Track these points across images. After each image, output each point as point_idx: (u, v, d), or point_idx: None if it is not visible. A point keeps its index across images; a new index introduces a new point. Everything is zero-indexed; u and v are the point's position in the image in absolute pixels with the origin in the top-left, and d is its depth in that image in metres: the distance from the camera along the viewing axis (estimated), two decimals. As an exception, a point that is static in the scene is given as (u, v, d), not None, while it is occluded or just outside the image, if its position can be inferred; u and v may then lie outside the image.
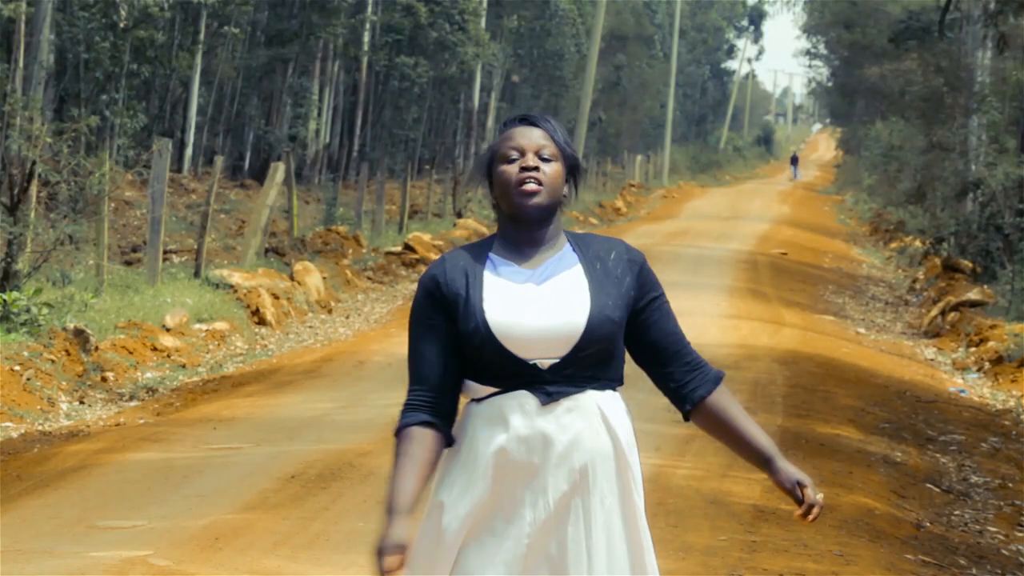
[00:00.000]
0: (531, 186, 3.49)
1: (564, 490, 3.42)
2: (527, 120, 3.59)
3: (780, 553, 7.20)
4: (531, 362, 3.44)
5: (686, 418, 3.63)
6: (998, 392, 14.57)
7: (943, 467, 10.40)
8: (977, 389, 14.83)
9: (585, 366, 3.46)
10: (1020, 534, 8.76)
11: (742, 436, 3.58)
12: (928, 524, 8.50)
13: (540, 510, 3.41)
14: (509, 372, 3.45)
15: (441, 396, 3.48)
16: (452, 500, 3.46)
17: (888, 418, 12.03)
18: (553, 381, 3.45)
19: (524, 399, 3.44)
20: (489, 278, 3.49)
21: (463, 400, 3.54)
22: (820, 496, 3.54)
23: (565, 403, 3.45)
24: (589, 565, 3.41)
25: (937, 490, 9.59)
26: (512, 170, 3.51)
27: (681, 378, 3.58)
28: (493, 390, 3.47)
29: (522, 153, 3.53)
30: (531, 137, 3.54)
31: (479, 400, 3.48)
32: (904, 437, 11.29)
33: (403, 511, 3.45)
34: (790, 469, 3.56)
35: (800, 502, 3.55)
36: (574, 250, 3.54)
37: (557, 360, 3.44)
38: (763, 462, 3.57)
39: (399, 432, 3.50)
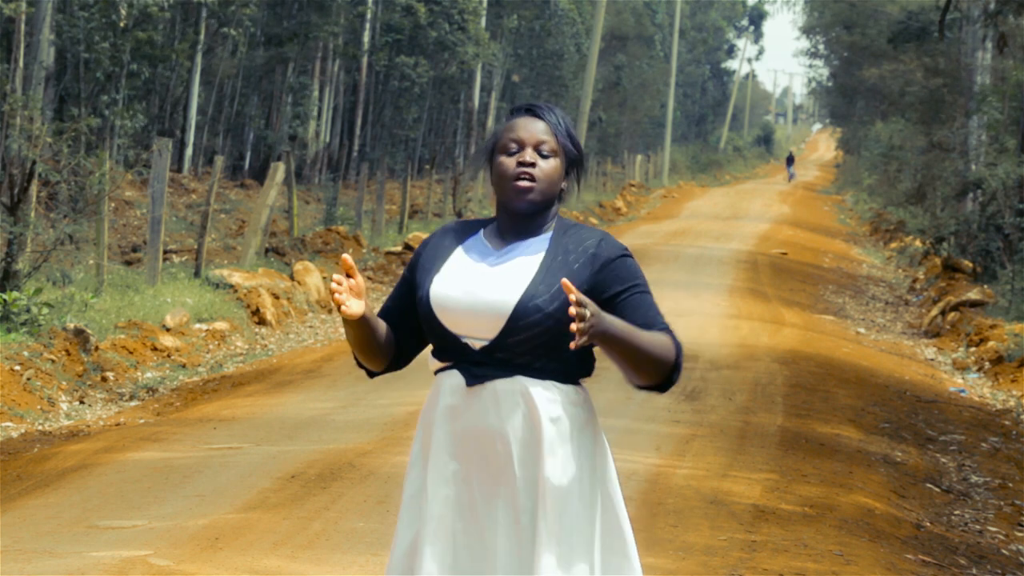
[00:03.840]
0: (524, 183, 3.51)
1: (489, 473, 3.43)
2: (533, 111, 3.59)
3: (780, 553, 7.20)
4: (463, 339, 3.47)
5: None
6: (998, 392, 14.57)
7: (943, 467, 10.40)
8: (977, 389, 14.83)
9: (518, 352, 3.44)
10: (1020, 534, 8.76)
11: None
12: (928, 524, 8.50)
13: (468, 491, 3.44)
14: (446, 347, 3.50)
15: (392, 328, 3.60)
16: (413, 462, 3.56)
17: (888, 418, 12.03)
18: (481, 363, 3.46)
19: (454, 378, 3.49)
20: (457, 254, 3.55)
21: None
22: (588, 312, 3.26)
23: (489, 386, 3.45)
24: (496, 550, 3.41)
25: (937, 490, 9.59)
26: (509, 163, 3.53)
27: None
28: (439, 365, 3.53)
29: (521, 146, 3.54)
30: (533, 131, 3.55)
31: (436, 375, 3.56)
32: (904, 437, 11.29)
33: None
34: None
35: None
36: (550, 239, 3.54)
37: (487, 342, 3.45)
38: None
39: None
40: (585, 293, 3.43)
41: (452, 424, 3.46)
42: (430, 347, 3.60)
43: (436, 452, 3.47)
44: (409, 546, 3.49)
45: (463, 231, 3.60)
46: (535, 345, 3.43)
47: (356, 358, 3.62)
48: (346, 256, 3.37)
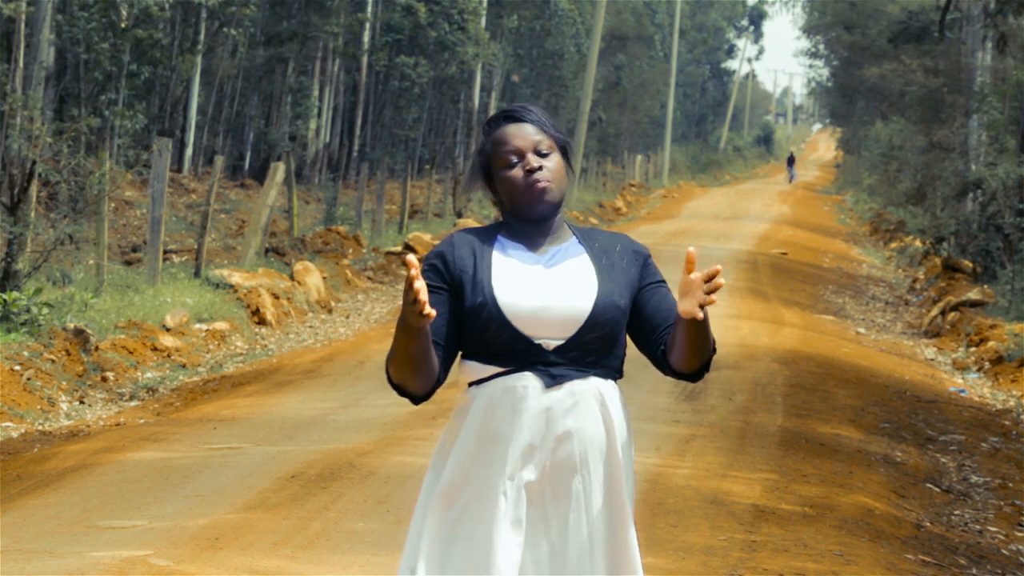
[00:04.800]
0: (542, 184, 3.52)
1: (560, 472, 3.43)
2: (512, 116, 3.59)
3: (780, 553, 7.20)
4: (536, 341, 3.46)
5: (669, 370, 3.57)
6: (998, 392, 14.57)
7: (943, 467, 10.40)
8: (977, 389, 14.83)
9: (589, 351, 3.48)
10: (1020, 534, 8.76)
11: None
12: (928, 524, 8.50)
13: (540, 493, 3.43)
14: (513, 351, 3.46)
15: (438, 345, 3.51)
16: (449, 466, 3.46)
17: (888, 418, 12.03)
18: (557, 363, 3.47)
19: (529, 380, 3.46)
20: (498, 258, 3.52)
21: (462, 384, 3.55)
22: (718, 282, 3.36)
23: (568, 386, 3.47)
24: (566, 551, 3.42)
25: (937, 490, 9.59)
26: (517, 175, 3.53)
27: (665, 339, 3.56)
28: (496, 370, 3.48)
29: (521, 155, 3.54)
30: (525, 136, 3.55)
31: (479, 382, 3.49)
32: (904, 437, 11.29)
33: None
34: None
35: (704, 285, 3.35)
36: (580, 242, 3.59)
37: (562, 342, 3.46)
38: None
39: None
40: (634, 285, 3.56)
41: (532, 424, 3.44)
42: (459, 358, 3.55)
43: (512, 455, 3.43)
44: (453, 540, 3.43)
45: (481, 239, 3.56)
46: (604, 343, 3.49)
47: (397, 385, 3.48)
48: (411, 258, 3.22)
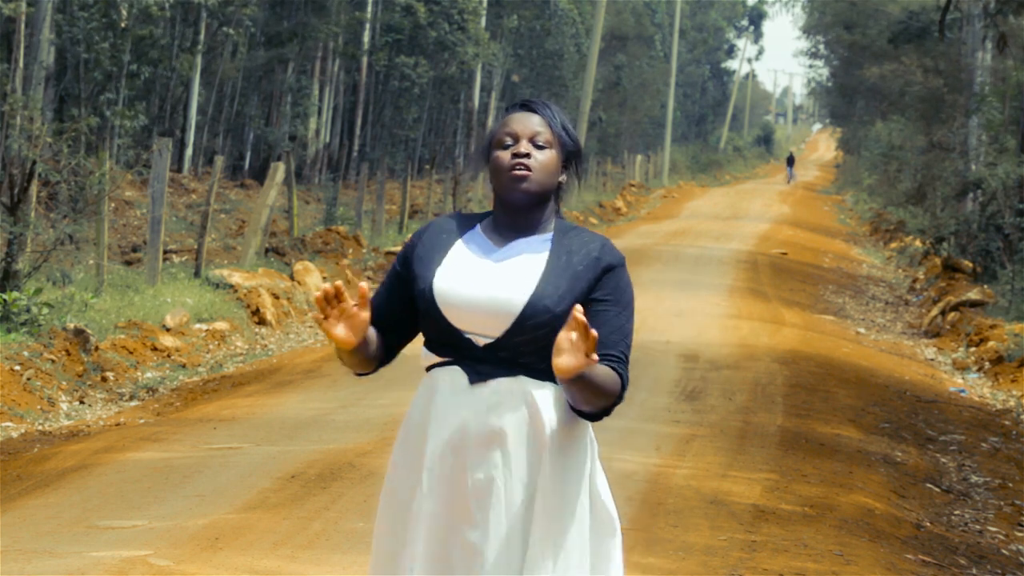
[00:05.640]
0: (520, 171, 3.50)
1: (482, 469, 3.41)
2: (527, 106, 3.59)
3: (780, 553, 7.20)
4: (467, 335, 3.45)
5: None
6: (998, 392, 14.57)
7: (943, 467, 10.40)
8: (977, 389, 14.83)
9: (522, 352, 3.43)
10: (1020, 534, 8.76)
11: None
12: (928, 524, 8.50)
13: (461, 488, 3.42)
14: (447, 342, 3.47)
15: (379, 326, 3.55)
16: (399, 460, 3.52)
17: (888, 418, 12.03)
18: (485, 360, 3.44)
19: (455, 375, 3.46)
20: (458, 247, 3.53)
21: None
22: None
23: (493, 384, 3.43)
24: (485, 550, 3.39)
25: (937, 490, 9.59)
26: (505, 156, 3.53)
27: None
28: (436, 360, 3.50)
29: (516, 139, 3.54)
30: (527, 124, 3.55)
31: (428, 370, 3.52)
32: (904, 437, 11.29)
33: None
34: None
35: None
36: (552, 240, 3.54)
37: (492, 340, 3.44)
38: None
39: None
40: (583, 294, 3.46)
41: (449, 420, 3.44)
42: (422, 341, 3.57)
43: (431, 448, 3.44)
44: (395, 543, 3.46)
45: (459, 225, 3.57)
46: (540, 346, 3.42)
47: (341, 359, 3.57)
48: (363, 285, 3.32)
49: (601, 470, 3.54)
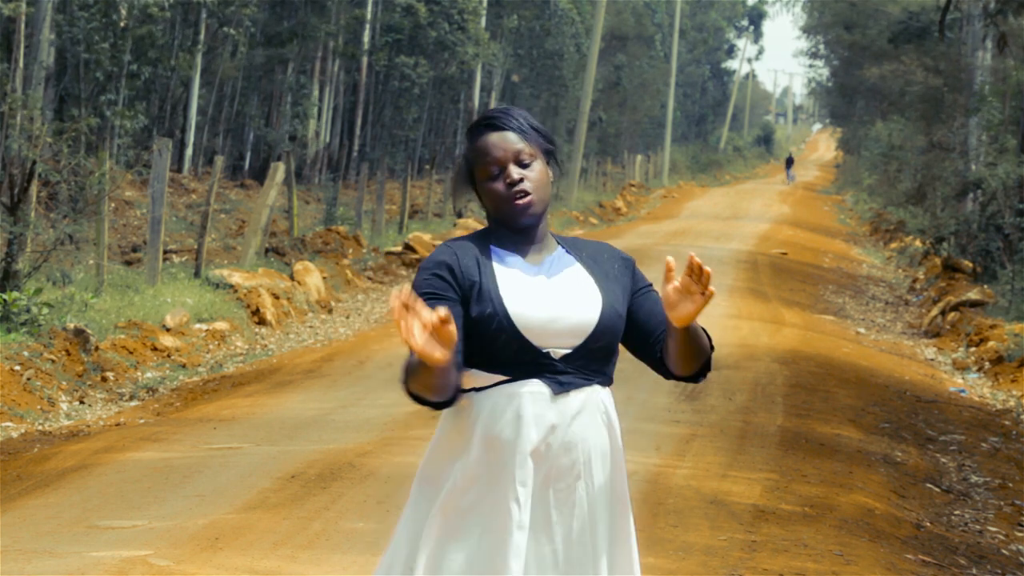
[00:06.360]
0: (523, 199, 3.51)
1: (565, 479, 3.46)
2: (492, 124, 3.54)
3: (780, 553, 7.20)
4: (545, 351, 3.47)
5: (670, 374, 3.61)
6: (998, 392, 14.57)
7: (943, 467, 10.40)
8: (977, 389, 14.83)
9: (593, 359, 3.51)
10: (1020, 534, 8.76)
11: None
12: (928, 524, 8.50)
13: (543, 498, 3.44)
14: (522, 360, 3.46)
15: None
16: (446, 475, 3.45)
17: (888, 418, 12.03)
18: (564, 372, 3.49)
19: (537, 387, 3.47)
20: (499, 268, 3.52)
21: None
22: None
23: (575, 394, 3.49)
24: (570, 558, 3.45)
25: (937, 490, 9.59)
26: (499, 188, 3.52)
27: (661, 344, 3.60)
28: (502, 378, 3.47)
29: (502, 167, 3.52)
30: (505, 146, 3.52)
31: (483, 388, 3.47)
32: (904, 437, 11.29)
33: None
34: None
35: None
36: (568, 252, 3.61)
37: (569, 351, 3.48)
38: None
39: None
40: (629, 292, 3.61)
41: (540, 431, 3.45)
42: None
43: (519, 461, 3.43)
44: (476, 555, 3.43)
45: (477, 246, 3.55)
46: (607, 351, 3.53)
47: (415, 396, 3.42)
48: (441, 308, 3.20)
49: None
